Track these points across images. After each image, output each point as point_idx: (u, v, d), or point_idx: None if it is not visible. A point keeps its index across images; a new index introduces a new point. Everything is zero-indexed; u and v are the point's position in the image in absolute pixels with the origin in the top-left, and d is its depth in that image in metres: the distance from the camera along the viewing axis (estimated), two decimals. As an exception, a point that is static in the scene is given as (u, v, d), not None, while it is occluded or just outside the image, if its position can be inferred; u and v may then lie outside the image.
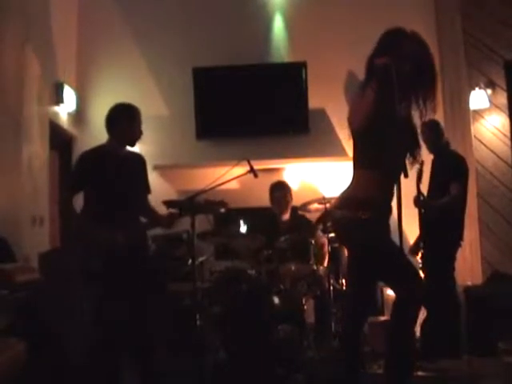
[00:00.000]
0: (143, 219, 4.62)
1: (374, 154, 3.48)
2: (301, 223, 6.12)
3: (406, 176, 3.34)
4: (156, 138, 6.89)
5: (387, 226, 3.57)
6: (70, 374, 4.41)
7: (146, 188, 4.68)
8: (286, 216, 6.22)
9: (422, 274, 5.54)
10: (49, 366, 4.31)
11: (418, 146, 3.60)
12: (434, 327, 5.54)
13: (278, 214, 6.23)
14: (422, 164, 5.52)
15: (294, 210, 6.19)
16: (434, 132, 5.73)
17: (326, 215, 5.70)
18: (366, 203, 3.43)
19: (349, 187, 3.63)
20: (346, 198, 3.59)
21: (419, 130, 3.84)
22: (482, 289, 6.30)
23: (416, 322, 3.58)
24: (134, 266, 4.25)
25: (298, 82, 7.13)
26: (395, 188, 3.44)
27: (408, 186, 3.91)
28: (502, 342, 5.27)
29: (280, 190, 6.22)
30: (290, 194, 6.25)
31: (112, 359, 4.18)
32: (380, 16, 6.88)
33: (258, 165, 5.38)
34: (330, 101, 7.06)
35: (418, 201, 5.57)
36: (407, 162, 3.50)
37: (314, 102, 7.15)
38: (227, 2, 7.33)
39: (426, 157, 5.56)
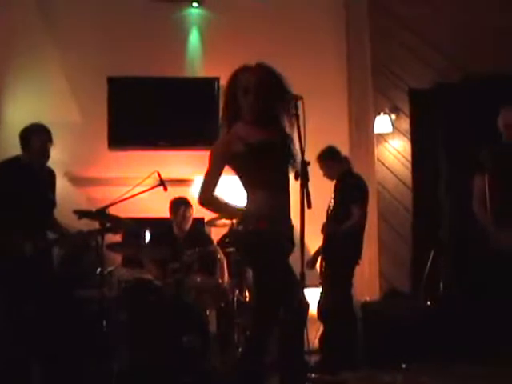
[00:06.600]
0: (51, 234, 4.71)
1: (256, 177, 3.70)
2: (198, 237, 6.23)
3: (310, 207, 3.37)
4: (68, 145, 6.74)
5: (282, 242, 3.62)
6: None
7: (53, 202, 4.78)
8: (185, 229, 6.29)
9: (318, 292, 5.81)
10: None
11: (294, 160, 3.64)
12: (331, 341, 5.75)
13: (176, 226, 6.31)
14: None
15: (193, 223, 6.30)
16: (330, 160, 5.93)
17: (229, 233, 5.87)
18: (259, 218, 3.52)
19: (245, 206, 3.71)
20: (242, 215, 3.68)
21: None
22: (379, 304, 6.58)
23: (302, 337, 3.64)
24: (39, 274, 4.31)
25: (210, 97, 7.19)
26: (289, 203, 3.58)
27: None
28: (405, 363, 5.54)
29: (185, 205, 6.16)
30: (192, 209, 6.33)
31: (21, 363, 4.19)
32: (293, 34, 7.22)
33: (168, 176, 5.48)
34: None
35: (326, 227, 5.82)
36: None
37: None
38: (145, 15, 7.32)
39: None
